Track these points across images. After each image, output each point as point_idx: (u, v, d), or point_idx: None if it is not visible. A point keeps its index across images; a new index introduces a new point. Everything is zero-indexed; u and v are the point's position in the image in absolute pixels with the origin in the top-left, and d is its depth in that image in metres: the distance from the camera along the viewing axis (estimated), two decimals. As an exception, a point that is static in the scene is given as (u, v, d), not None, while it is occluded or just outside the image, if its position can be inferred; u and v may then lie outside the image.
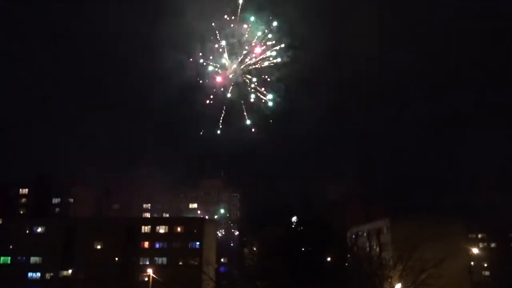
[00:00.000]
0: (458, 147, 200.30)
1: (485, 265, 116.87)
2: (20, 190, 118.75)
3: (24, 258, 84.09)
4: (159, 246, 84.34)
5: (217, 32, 74.32)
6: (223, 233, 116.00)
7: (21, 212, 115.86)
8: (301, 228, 45.79)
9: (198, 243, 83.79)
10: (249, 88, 74.89)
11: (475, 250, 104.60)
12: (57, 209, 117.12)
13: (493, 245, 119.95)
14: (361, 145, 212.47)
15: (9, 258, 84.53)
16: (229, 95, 74.49)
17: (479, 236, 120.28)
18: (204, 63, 73.66)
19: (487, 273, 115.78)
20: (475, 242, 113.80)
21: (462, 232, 78.49)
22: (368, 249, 78.50)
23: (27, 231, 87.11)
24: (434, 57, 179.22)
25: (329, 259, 48.70)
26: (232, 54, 75.14)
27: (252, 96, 75.53)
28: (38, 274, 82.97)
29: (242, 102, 74.99)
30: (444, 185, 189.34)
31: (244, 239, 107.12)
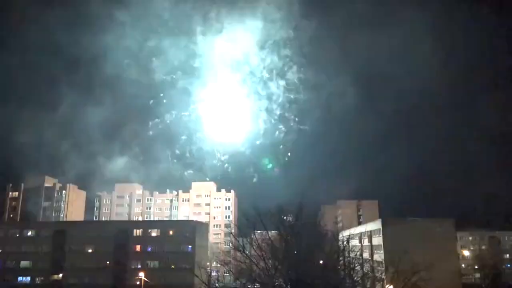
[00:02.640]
0: (451, 151, 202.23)
1: (476, 267, 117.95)
2: (10, 193, 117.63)
3: (14, 262, 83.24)
4: (151, 249, 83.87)
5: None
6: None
7: (11, 216, 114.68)
8: (294, 230, 45.84)
9: (190, 246, 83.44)
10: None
11: (466, 252, 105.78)
12: (47, 213, 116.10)
13: (484, 247, 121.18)
14: (355, 149, 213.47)
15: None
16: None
17: (470, 238, 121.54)
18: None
19: (477, 275, 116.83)
20: (466, 245, 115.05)
21: (453, 235, 79.08)
22: (360, 251, 78.76)
23: (17, 235, 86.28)
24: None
25: (321, 261, 48.84)
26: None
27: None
28: (28, 279, 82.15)
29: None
30: (436, 188, 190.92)
31: (237, 241, 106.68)
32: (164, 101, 75.07)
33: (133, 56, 77.83)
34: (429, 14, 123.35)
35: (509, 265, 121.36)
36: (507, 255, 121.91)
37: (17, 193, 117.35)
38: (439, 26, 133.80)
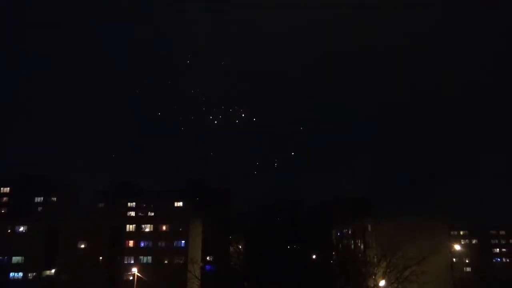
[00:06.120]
0: (443, 148, 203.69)
1: (467, 261, 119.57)
2: (2, 188, 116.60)
3: (5, 258, 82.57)
4: (144, 245, 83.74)
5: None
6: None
7: (2, 211, 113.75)
8: (287, 226, 46.08)
9: (183, 241, 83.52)
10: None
11: (457, 247, 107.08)
12: (39, 208, 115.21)
13: (474, 241, 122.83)
14: (349, 147, 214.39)
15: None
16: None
17: (461, 233, 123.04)
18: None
19: (468, 269, 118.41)
20: (457, 239, 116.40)
21: (445, 230, 79.76)
22: (353, 247, 79.28)
23: (9, 231, 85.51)
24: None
25: (314, 256, 49.13)
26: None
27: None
28: (20, 274, 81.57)
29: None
30: (427, 184, 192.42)
31: (230, 237, 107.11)
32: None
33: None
34: None
35: (499, 259, 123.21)
36: (497, 249, 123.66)
37: (9, 188, 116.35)
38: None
